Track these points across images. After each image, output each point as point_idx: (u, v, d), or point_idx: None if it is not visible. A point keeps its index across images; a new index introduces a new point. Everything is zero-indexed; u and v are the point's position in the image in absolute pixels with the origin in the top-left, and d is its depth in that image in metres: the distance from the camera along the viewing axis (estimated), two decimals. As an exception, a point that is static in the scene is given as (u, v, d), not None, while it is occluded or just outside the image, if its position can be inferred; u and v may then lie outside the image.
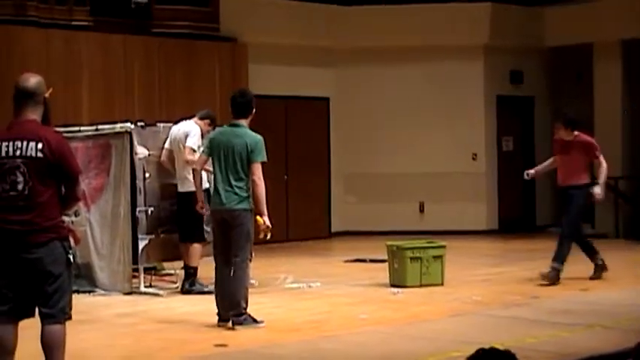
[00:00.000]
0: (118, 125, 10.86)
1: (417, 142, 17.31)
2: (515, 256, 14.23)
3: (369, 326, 8.58)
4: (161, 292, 10.64)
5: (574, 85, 18.13)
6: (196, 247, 10.54)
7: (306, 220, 16.92)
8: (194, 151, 10.25)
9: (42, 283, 5.70)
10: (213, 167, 8.61)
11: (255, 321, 8.42)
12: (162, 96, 14.62)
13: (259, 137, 8.59)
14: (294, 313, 9.36)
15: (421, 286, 10.70)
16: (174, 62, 14.88)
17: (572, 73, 18.19)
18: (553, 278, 10.81)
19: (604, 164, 11.15)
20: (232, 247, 8.42)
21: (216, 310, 8.57)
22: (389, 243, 11.26)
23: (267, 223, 8.55)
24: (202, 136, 10.36)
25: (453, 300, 9.97)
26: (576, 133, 11.25)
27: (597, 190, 11.07)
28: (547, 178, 18.28)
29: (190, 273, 10.59)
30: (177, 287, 10.80)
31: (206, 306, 9.75)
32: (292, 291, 10.88)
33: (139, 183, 10.64)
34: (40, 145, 5.66)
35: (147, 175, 10.63)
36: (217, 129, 8.99)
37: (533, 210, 18.42)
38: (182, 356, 7.44)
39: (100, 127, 10.96)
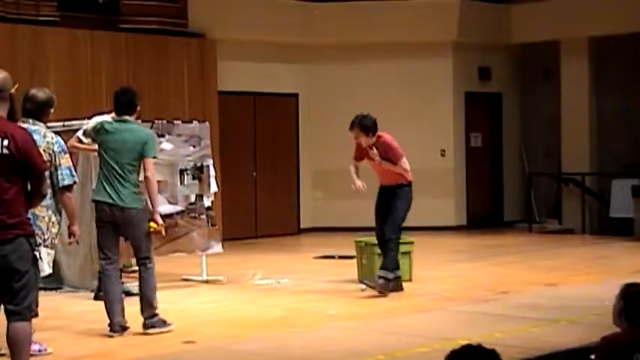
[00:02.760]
0: (86, 121, 10.77)
1: (385, 139, 17.30)
2: (483, 252, 14.30)
3: (337, 322, 8.59)
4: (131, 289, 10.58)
5: (541, 81, 18.24)
6: (122, 246, 10.18)
7: (274, 217, 16.91)
8: (80, 141, 10.04)
9: (8, 280, 5.66)
10: (101, 162, 8.27)
11: (165, 323, 8.13)
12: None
13: (151, 132, 8.42)
14: (262, 309, 9.36)
15: (390, 281, 10.72)
16: (142, 58, 14.80)
17: (539, 69, 18.29)
18: (388, 287, 9.93)
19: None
20: (136, 250, 8.11)
21: (108, 321, 8.00)
22: (357, 239, 11.28)
23: (160, 221, 8.13)
24: None
25: (421, 296, 10.00)
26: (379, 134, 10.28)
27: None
28: (515, 174, 18.44)
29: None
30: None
31: (174, 303, 9.74)
32: (261, 287, 10.87)
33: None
34: (5, 142, 5.62)
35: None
36: (104, 123, 8.54)
37: (501, 206, 18.52)
38: (150, 354, 7.41)
39: (67, 123, 10.87)
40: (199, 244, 11.22)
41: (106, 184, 8.10)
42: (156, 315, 8.10)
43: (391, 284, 9.94)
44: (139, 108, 8.40)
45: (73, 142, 10.01)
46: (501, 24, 17.87)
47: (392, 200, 10.22)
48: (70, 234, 7.27)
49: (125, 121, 8.24)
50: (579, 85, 17.39)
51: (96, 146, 9.85)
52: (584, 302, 9.32)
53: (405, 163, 10.18)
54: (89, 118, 10.35)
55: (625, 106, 17.05)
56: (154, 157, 8.23)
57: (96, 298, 9.89)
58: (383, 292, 9.83)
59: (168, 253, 10.96)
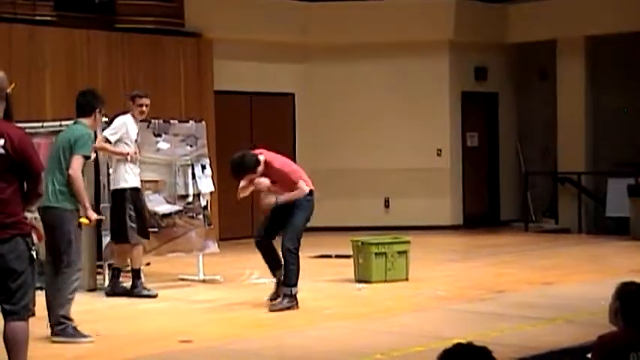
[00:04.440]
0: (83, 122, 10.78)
1: (382, 138, 17.35)
2: (479, 251, 14.31)
3: (333, 321, 8.59)
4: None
5: (538, 81, 18.25)
6: (123, 247, 10.25)
7: (271, 216, 16.88)
8: (108, 141, 10.12)
9: (5, 280, 5.66)
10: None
11: (77, 335, 7.73)
12: (127, 92, 14.47)
13: (86, 131, 7.95)
14: (259, 309, 9.35)
15: (386, 281, 10.74)
16: (138, 58, 14.81)
17: (536, 69, 18.30)
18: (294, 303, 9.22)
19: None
20: (56, 251, 7.71)
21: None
22: (354, 238, 11.29)
23: (93, 217, 7.83)
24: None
25: (417, 295, 10.01)
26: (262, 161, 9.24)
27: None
28: (512, 174, 18.46)
29: (114, 274, 10.29)
30: (142, 283, 10.74)
31: (171, 302, 9.75)
32: (258, 286, 10.87)
33: (103, 179, 10.59)
34: (2, 141, 5.62)
35: (110, 170, 10.58)
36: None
37: (497, 205, 18.54)
38: (147, 353, 7.41)
39: (63, 122, 10.85)
40: (197, 244, 11.24)
41: (46, 188, 7.71)
42: (63, 324, 7.70)
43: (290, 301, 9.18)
44: (99, 111, 8.15)
45: (102, 143, 10.07)
46: (498, 23, 17.89)
47: (291, 209, 9.22)
48: None
49: (75, 122, 8.11)
50: (575, 84, 17.40)
51: (124, 149, 10.03)
52: (580, 301, 9.34)
53: (302, 183, 9.23)
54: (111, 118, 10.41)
55: (625, 109, 17.05)
56: (86, 158, 7.90)
57: (108, 294, 10.06)
58: (291, 307, 9.14)
59: (167, 253, 10.98)
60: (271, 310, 9.11)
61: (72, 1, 14.43)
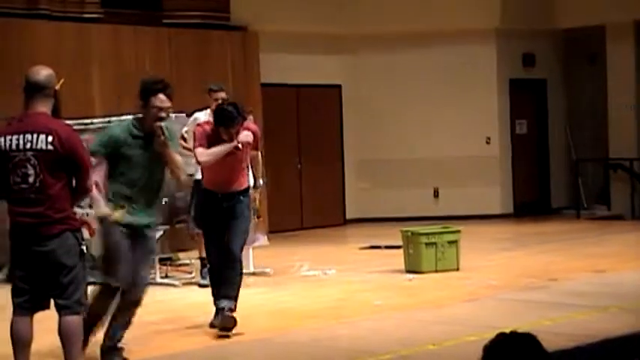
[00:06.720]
0: (131, 117, 10.84)
1: (430, 127, 17.27)
2: (530, 240, 14.20)
3: (384, 312, 8.58)
4: (177, 282, 10.66)
5: (587, 67, 18.04)
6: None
7: (320, 208, 16.91)
8: (183, 138, 10.24)
9: (56, 275, 5.73)
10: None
11: None
12: (174, 87, 14.48)
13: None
14: (309, 301, 9.37)
15: (436, 271, 10.69)
16: (185, 53, 14.88)
17: (585, 55, 18.09)
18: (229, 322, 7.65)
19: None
20: None
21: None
22: (403, 229, 11.24)
23: None
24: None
25: (468, 285, 9.95)
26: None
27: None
28: (562, 161, 18.28)
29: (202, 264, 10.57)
30: (193, 277, 10.82)
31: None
32: (308, 278, 10.89)
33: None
34: (50, 138, 5.68)
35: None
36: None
37: (548, 193, 18.37)
38: (200, 345, 7.44)
39: (112, 119, 10.95)
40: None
41: None
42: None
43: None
44: (143, 104, 7.61)
45: (179, 140, 10.19)
46: (545, 9, 17.70)
47: (236, 210, 7.86)
48: None
49: None
50: (625, 69, 17.17)
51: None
52: (633, 289, 9.23)
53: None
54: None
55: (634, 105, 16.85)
56: None
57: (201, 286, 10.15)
58: (229, 327, 7.63)
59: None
60: (226, 327, 7.67)
61: (118, -2, 14.57)
